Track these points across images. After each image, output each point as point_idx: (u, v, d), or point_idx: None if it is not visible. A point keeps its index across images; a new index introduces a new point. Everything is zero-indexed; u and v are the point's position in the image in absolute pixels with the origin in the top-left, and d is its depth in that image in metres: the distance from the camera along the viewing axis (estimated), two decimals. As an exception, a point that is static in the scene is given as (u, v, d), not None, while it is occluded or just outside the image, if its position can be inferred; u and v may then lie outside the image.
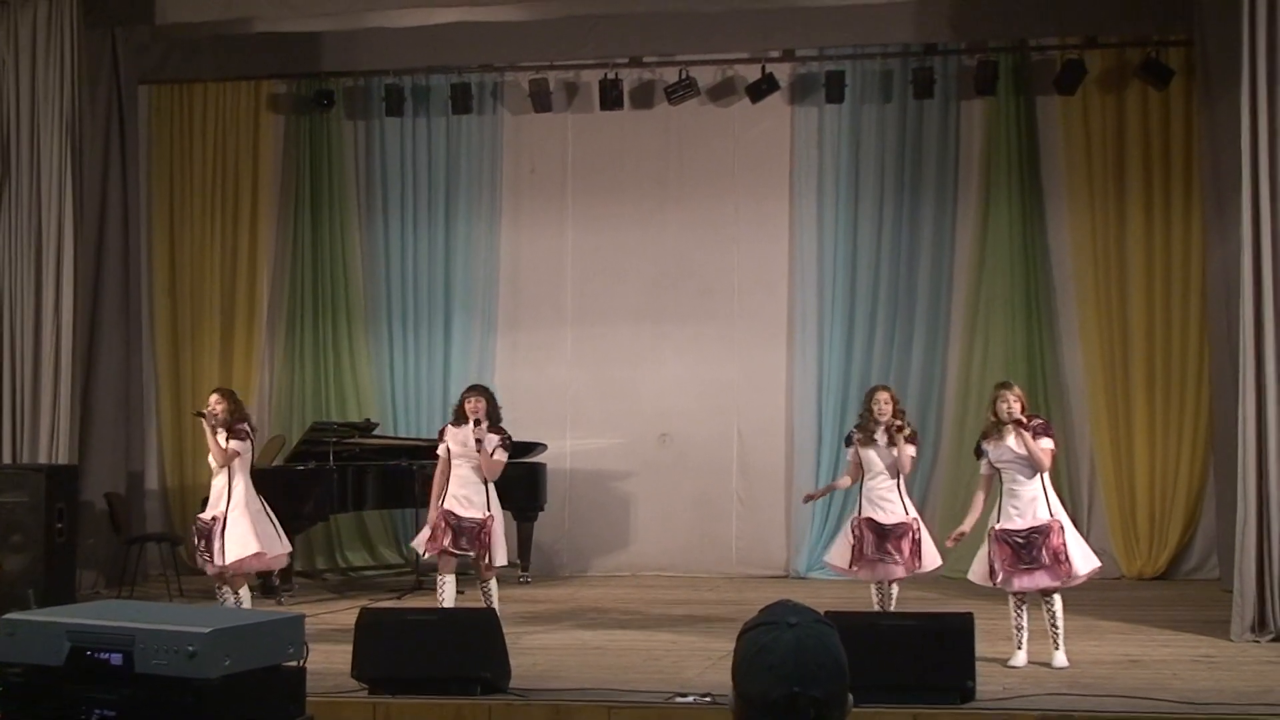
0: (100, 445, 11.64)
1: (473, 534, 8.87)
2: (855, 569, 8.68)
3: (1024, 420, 7.96)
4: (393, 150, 13.07)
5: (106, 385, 11.81)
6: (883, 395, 8.71)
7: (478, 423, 8.81)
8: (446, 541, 8.90)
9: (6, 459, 10.81)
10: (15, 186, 10.93)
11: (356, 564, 12.76)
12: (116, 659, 4.09)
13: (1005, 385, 8.23)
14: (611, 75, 12.41)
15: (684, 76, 12.32)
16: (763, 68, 12.24)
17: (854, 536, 8.60)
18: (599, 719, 7.10)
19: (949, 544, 8.44)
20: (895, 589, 8.75)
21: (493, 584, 9.11)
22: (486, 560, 8.91)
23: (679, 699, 7.19)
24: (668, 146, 12.76)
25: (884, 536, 8.52)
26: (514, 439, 9.31)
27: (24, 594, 9.39)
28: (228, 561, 8.69)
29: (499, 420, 8.98)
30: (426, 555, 9.35)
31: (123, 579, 11.35)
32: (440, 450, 9.07)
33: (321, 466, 11.17)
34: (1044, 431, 8.04)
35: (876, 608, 8.72)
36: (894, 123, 12.35)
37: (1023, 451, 7.94)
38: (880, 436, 8.62)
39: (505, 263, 12.97)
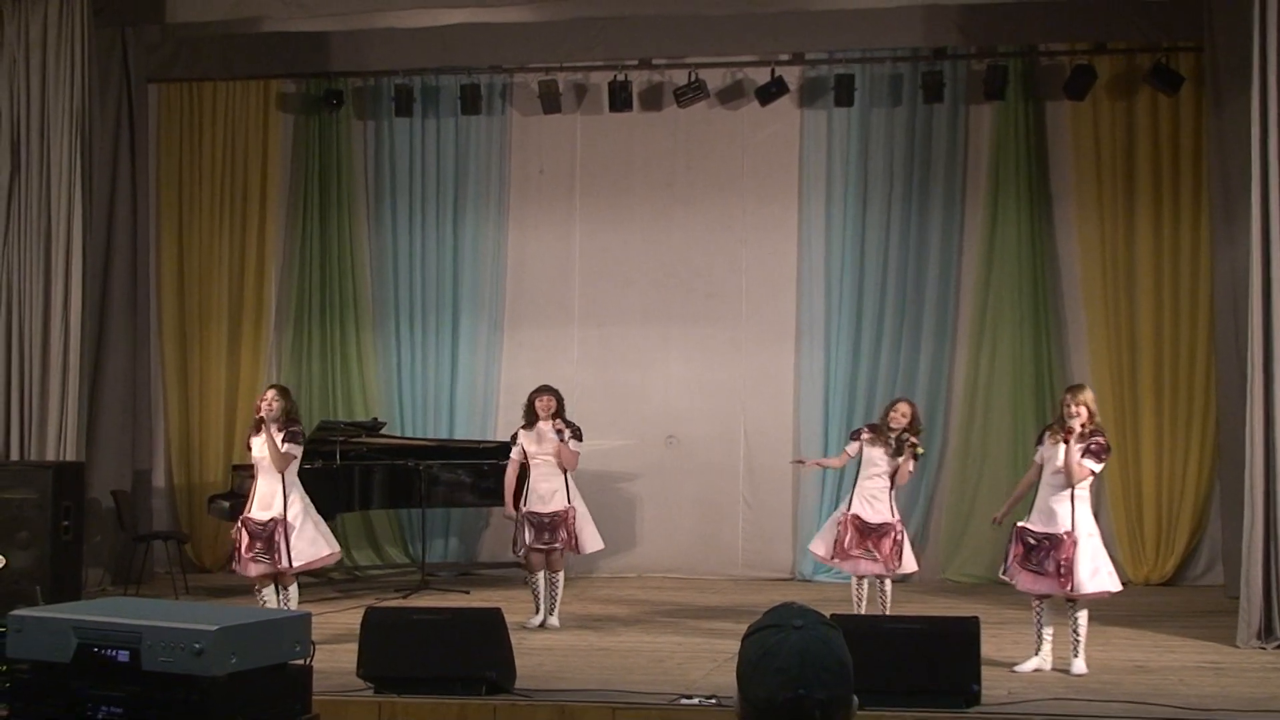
0: (107, 443, 11.66)
1: (555, 527, 9.53)
2: (835, 560, 9.15)
3: (1083, 433, 7.93)
4: (401, 150, 13.07)
5: (114, 383, 11.84)
6: (903, 407, 9.10)
7: (538, 418, 9.62)
8: (530, 538, 9.56)
9: (14, 456, 10.82)
10: (25, 184, 10.94)
11: (363, 563, 12.77)
12: (123, 656, 4.10)
13: (1074, 388, 8.28)
14: (620, 77, 12.40)
15: (693, 79, 12.32)
16: (772, 71, 12.24)
17: (839, 530, 9.01)
18: (603, 720, 7.11)
19: (994, 523, 8.63)
20: (889, 588, 9.04)
21: (560, 578, 9.76)
22: (577, 550, 9.66)
23: (684, 701, 7.21)
24: (676, 149, 12.75)
25: (866, 534, 8.89)
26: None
27: (31, 591, 9.40)
28: (299, 563, 8.80)
29: (565, 415, 9.71)
30: (519, 554, 9.89)
31: (129, 576, 11.38)
32: (514, 454, 9.82)
33: (328, 465, 11.17)
34: (1096, 453, 7.98)
35: (855, 605, 9.02)
36: (903, 127, 12.33)
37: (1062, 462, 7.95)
38: (891, 443, 8.93)
39: (512, 263, 12.97)
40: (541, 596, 9.68)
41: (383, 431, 12.00)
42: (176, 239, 13.18)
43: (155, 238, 13.01)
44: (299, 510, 8.82)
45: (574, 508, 9.62)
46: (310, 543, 8.83)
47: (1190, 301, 11.85)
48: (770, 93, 12.20)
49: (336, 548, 9.21)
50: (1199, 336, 11.78)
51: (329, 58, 12.92)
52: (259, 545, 8.77)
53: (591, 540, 9.77)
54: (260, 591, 8.97)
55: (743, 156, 12.67)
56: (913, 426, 8.98)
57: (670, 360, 12.68)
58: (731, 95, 12.61)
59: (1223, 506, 11.24)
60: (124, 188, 11.93)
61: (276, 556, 8.72)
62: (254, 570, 8.86)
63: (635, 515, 12.70)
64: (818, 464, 10.35)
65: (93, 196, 11.09)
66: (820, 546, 9.26)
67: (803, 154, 12.54)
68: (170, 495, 13.03)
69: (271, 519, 8.77)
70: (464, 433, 12.60)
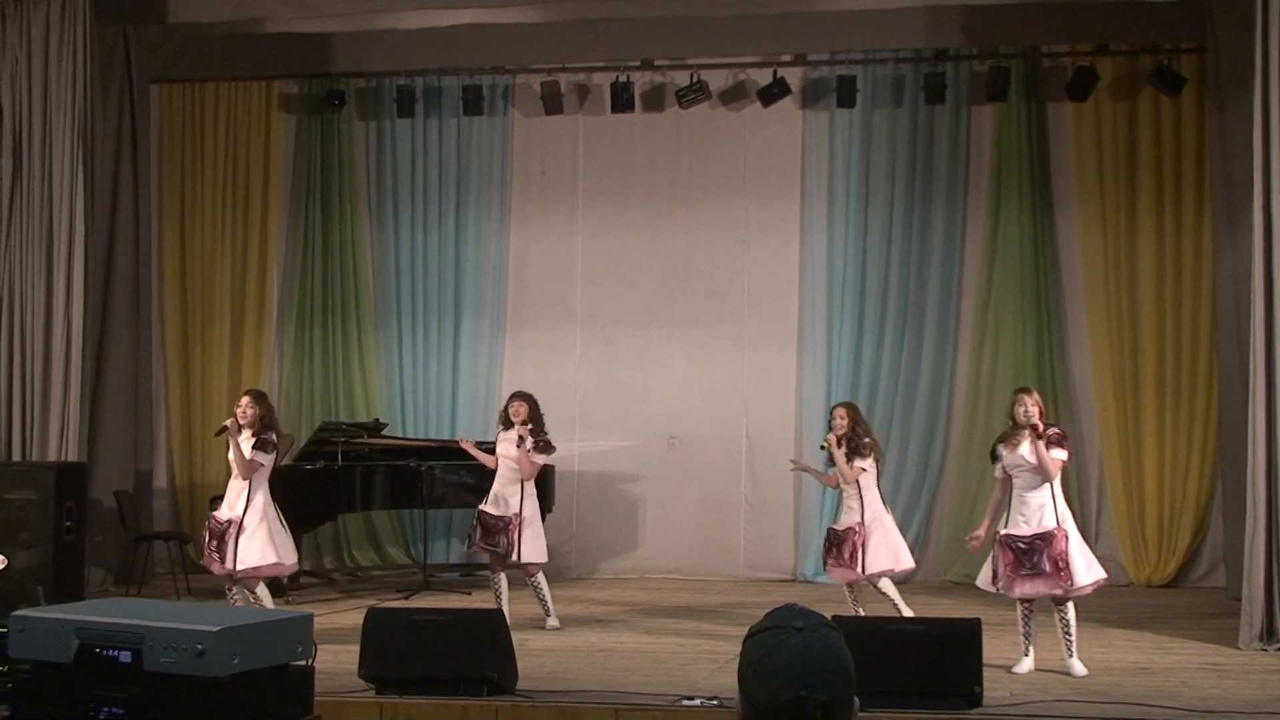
0: (109, 443, 11.67)
1: (497, 531, 9.47)
2: (828, 570, 9.43)
3: (1039, 427, 7.96)
4: (404, 151, 13.08)
5: (116, 384, 11.84)
6: (839, 411, 9.16)
7: (513, 424, 9.50)
8: (477, 538, 9.58)
9: (16, 456, 10.83)
10: (27, 184, 10.95)
11: (364, 564, 12.78)
12: (125, 657, 4.10)
13: (1024, 390, 8.30)
14: (623, 78, 12.40)
15: (695, 80, 12.32)
16: (774, 72, 12.24)
17: (823, 543, 9.33)
18: (605, 721, 7.11)
19: (969, 548, 8.51)
20: (886, 586, 9.03)
21: (539, 579, 9.70)
22: (514, 557, 9.47)
23: (685, 702, 7.20)
24: (678, 149, 12.76)
25: (834, 543, 9.03)
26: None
27: (33, 591, 9.40)
28: (241, 568, 8.79)
29: (541, 424, 9.59)
30: (468, 552, 10.02)
31: (131, 577, 11.38)
32: (498, 451, 9.75)
33: (330, 466, 11.18)
34: (1058, 441, 8.04)
35: (852, 611, 9.03)
36: (905, 128, 12.34)
37: (1035, 460, 7.94)
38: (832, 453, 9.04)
39: (514, 264, 12.97)
40: (503, 597, 9.59)
41: (384, 432, 12.00)
42: (178, 239, 13.19)
43: (157, 238, 13.02)
44: (256, 516, 8.82)
45: (520, 515, 9.47)
46: (259, 550, 8.79)
47: (1192, 303, 11.84)
48: (772, 94, 12.20)
49: (291, 559, 9.10)
50: (1201, 338, 11.77)
51: (331, 58, 12.93)
52: (214, 544, 8.84)
53: (537, 552, 9.55)
54: (231, 590, 8.99)
55: (745, 157, 12.68)
56: (856, 428, 8.97)
57: (672, 361, 12.68)
58: (734, 96, 12.61)
59: (1225, 508, 11.23)
60: (126, 188, 11.93)
61: (224, 556, 8.77)
62: (215, 568, 8.95)
63: (637, 516, 12.70)
64: (812, 470, 10.02)
65: (95, 197, 11.09)
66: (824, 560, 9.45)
67: (805, 155, 12.55)
68: (172, 496, 13.04)
69: (229, 520, 8.81)
70: (465, 433, 12.57)
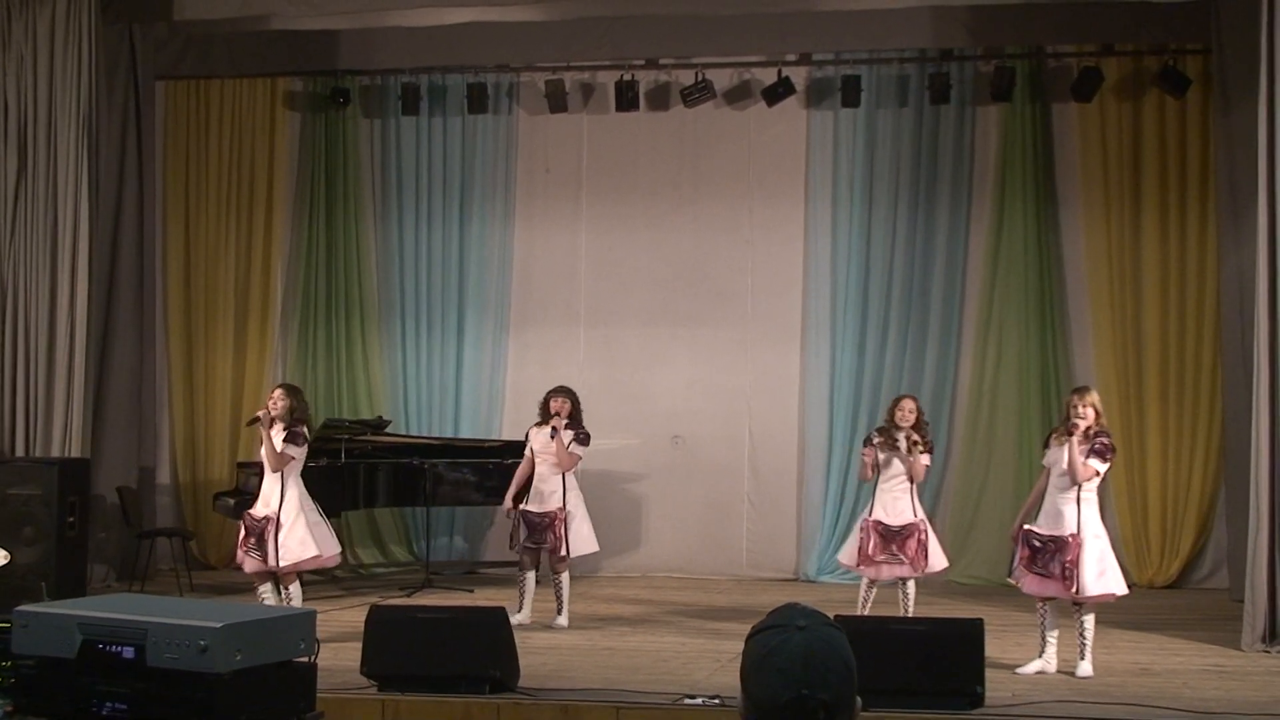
0: (113, 439, 11.68)
1: (543, 528, 9.50)
2: (860, 568, 8.99)
3: (1087, 432, 7.91)
4: (408, 149, 13.08)
5: (120, 380, 11.85)
6: (908, 404, 9.01)
7: (558, 415, 9.56)
8: (522, 537, 9.59)
9: (20, 452, 10.84)
10: (32, 181, 10.95)
11: (367, 561, 12.79)
12: (128, 652, 4.11)
13: (1077, 390, 8.26)
14: (627, 77, 12.41)
15: (700, 79, 12.31)
16: (779, 71, 12.24)
17: (862, 537, 8.88)
18: (607, 719, 7.11)
19: (1012, 540, 8.38)
20: (912, 590, 8.91)
21: (564, 578, 9.68)
22: (563, 552, 9.51)
23: (687, 700, 7.21)
24: (683, 149, 12.75)
25: (890, 538, 8.79)
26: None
27: (36, 587, 9.41)
28: (284, 564, 8.78)
29: (581, 420, 9.67)
30: (515, 550, 9.86)
31: (134, 573, 11.39)
32: (527, 451, 9.82)
33: (333, 464, 11.18)
34: (1100, 452, 7.96)
35: (860, 608, 8.89)
36: (910, 128, 12.32)
37: (1066, 463, 7.92)
38: (901, 443, 8.83)
39: (518, 262, 12.97)
40: (527, 595, 9.66)
41: (388, 430, 11.99)
42: (183, 236, 13.20)
43: (162, 235, 13.02)
44: (293, 510, 8.82)
45: (567, 510, 9.54)
46: (299, 543, 8.81)
47: (1196, 304, 11.83)
48: (777, 93, 12.19)
49: (332, 550, 9.14)
50: (1205, 339, 11.76)
51: (336, 56, 12.94)
52: (252, 541, 8.83)
53: (583, 543, 9.68)
54: (259, 589, 8.99)
55: (749, 157, 12.67)
56: (919, 422, 8.91)
57: (676, 360, 12.68)
58: (738, 95, 12.60)
59: (1228, 509, 11.23)
60: (131, 185, 11.94)
61: (266, 554, 8.76)
62: (249, 565, 8.92)
63: (640, 515, 12.70)
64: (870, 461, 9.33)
65: (99, 194, 11.10)
66: (846, 555, 9.24)
67: (809, 154, 12.54)
68: (175, 492, 13.05)
69: (266, 516, 8.81)
70: (469, 431, 12.61)
